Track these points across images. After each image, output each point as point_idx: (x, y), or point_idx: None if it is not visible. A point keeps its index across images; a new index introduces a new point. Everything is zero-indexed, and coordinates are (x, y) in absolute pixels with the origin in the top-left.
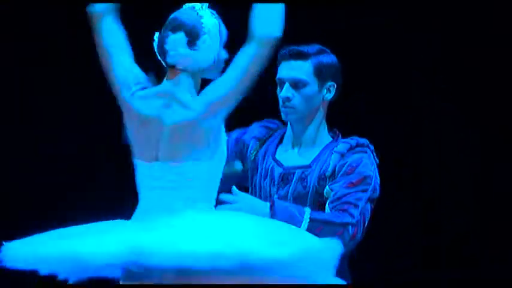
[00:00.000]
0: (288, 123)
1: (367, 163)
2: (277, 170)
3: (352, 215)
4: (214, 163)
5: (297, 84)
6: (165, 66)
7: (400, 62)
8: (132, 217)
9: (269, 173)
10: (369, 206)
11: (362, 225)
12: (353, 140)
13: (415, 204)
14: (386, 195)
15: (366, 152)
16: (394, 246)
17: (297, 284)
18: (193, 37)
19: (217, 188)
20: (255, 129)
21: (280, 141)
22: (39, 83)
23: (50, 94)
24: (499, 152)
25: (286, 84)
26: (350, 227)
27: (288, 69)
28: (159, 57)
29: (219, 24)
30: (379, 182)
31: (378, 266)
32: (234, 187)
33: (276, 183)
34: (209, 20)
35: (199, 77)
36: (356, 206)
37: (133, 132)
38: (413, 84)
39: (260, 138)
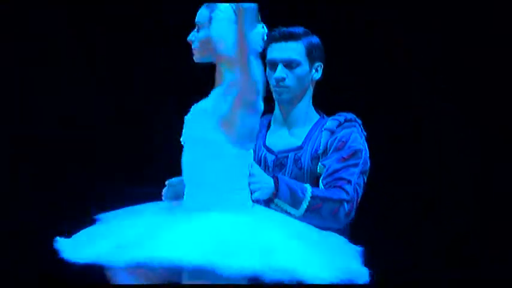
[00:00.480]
0: (276, 105)
1: (357, 137)
2: (270, 158)
3: (347, 192)
4: None
5: (290, 65)
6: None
7: (400, 62)
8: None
9: (262, 161)
10: (361, 180)
11: (356, 201)
12: (341, 117)
13: (415, 204)
14: (387, 195)
15: (354, 126)
16: (394, 246)
17: (298, 284)
18: None
19: None
20: None
21: (268, 127)
22: (39, 83)
23: (50, 94)
24: (499, 152)
25: (280, 65)
26: (345, 204)
27: (281, 50)
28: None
29: None
30: (368, 154)
31: (378, 266)
32: (252, 162)
33: (270, 170)
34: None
35: None
36: (349, 181)
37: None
38: (413, 84)
39: None
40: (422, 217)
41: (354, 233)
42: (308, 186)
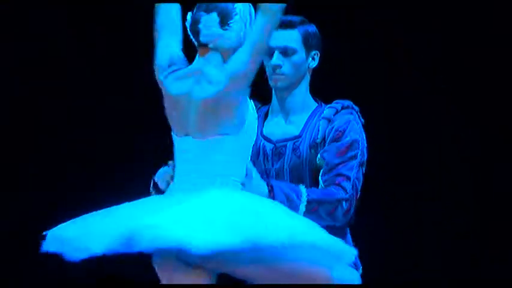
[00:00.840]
0: (273, 94)
1: (354, 125)
2: (269, 147)
3: (345, 190)
4: (241, 138)
5: (286, 52)
6: (196, 45)
7: (400, 62)
8: (167, 191)
9: (261, 150)
10: (360, 174)
11: (355, 197)
12: (338, 104)
13: (416, 204)
14: (387, 194)
15: (351, 114)
16: (394, 246)
17: (298, 284)
18: (225, 17)
19: (245, 163)
20: None
21: (266, 117)
22: (39, 83)
23: (49, 94)
24: (499, 152)
25: (276, 52)
26: (344, 202)
27: (277, 38)
28: (191, 37)
29: (250, 6)
30: (366, 144)
31: (378, 266)
32: (249, 163)
33: (269, 159)
34: (240, 2)
35: (230, 56)
36: (348, 178)
37: (168, 111)
38: (413, 84)
39: None
40: (422, 217)
41: (354, 232)
42: (303, 190)
